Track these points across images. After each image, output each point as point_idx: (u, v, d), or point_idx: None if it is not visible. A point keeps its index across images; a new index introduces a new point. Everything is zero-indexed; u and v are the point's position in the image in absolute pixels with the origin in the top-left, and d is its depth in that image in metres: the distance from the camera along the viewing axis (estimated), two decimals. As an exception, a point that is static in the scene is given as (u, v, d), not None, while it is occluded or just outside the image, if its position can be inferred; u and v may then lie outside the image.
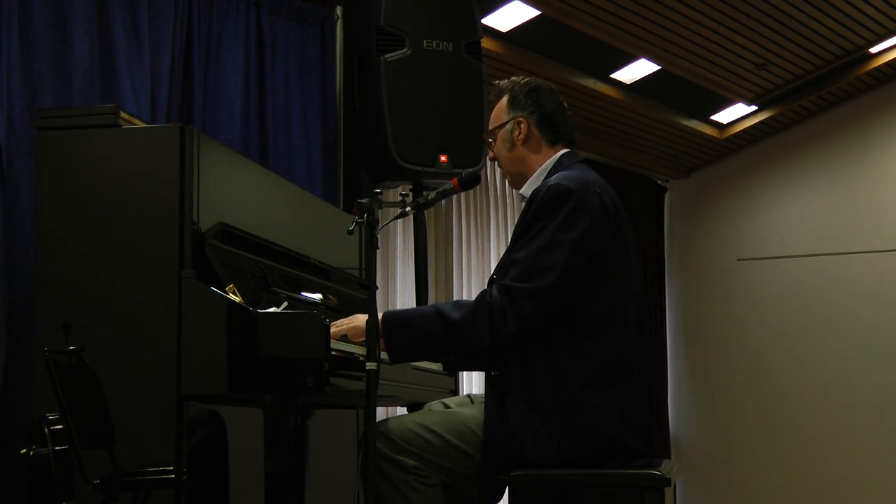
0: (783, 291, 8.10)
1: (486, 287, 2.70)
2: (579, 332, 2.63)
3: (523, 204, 2.84)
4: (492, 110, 2.93)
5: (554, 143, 2.87)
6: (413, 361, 3.00)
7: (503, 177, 2.93)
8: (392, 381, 3.24)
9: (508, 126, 2.85)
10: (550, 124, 2.86)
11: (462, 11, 4.65)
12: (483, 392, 2.79)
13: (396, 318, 2.67)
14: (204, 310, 2.82)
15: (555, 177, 2.73)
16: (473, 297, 2.71)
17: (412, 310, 2.79)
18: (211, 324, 2.80)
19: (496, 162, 2.94)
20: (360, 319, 2.75)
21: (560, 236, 2.61)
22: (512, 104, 2.87)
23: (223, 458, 3.18)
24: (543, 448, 2.58)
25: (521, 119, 2.84)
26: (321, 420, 3.35)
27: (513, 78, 2.93)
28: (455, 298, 6.32)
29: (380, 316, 2.65)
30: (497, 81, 2.95)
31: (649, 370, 2.81)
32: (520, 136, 2.84)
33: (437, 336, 2.64)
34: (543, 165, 2.84)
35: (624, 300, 2.69)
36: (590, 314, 2.64)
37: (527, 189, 2.84)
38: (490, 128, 2.92)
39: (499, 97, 2.91)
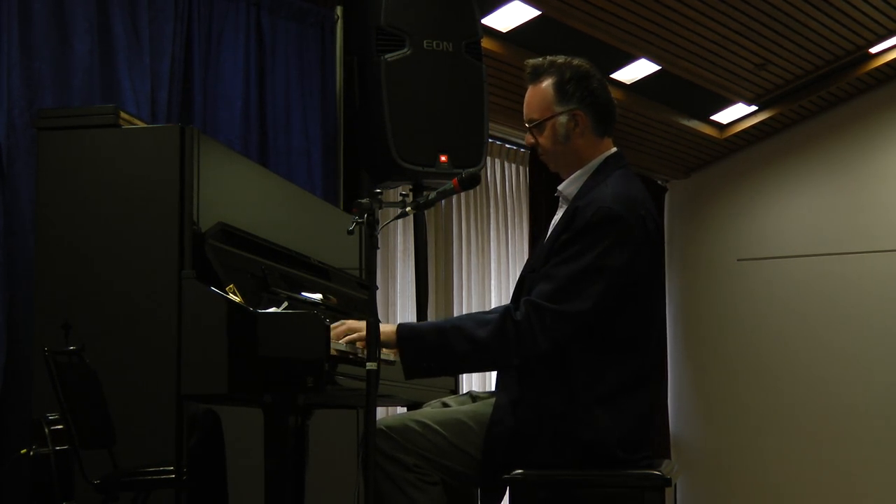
0: (783, 291, 8.10)
1: (511, 287, 2.63)
2: (600, 352, 2.60)
3: (559, 200, 2.76)
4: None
5: (604, 135, 2.75)
6: (429, 377, 2.95)
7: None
8: (392, 381, 3.23)
9: (562, 119, 2.69)
10: (606, 115, 2.73)
11: (462, 11, 4.65)
12: (483, 389, 2.78)
13: (413, 335, 2.62)
14: (204, 310, 2.82)
15: (606, 195, 2.61)
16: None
17: (428, 325, 2.70)
18: (211, 324, 2.79)
19: (536, 149, 2.77)
20: (354, 325, 2.70)
21: (602, 262, 2.55)
22: (562, 93, 2.69)
23: (223, 458, 3.18)
24: (546, 455, 2.58)
25: (578, 113, 2.69)
26: (321, 420, 3.35)
27: (551, 58, 2.74)
28: (455, 299, 6.32)
29: (391, 328, 2.62)
30: (531, 60, 2.75)
31: (659, 385, 2.79)
32: (577, 130, 2.69)
33: (460, 354, 2.58)
34: (590, 164, 2.73)
35: (647, 326, 2.67)
36: (613, 336, 2.61)
37: (567, 187, 2.74)
38: (536, 116, 2.72)
39: (537, 78, 2.72)
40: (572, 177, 2.74)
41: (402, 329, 2.62)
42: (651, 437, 2.73)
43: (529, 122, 2.76)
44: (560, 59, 2.74)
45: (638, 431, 2.64)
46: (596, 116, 2.71)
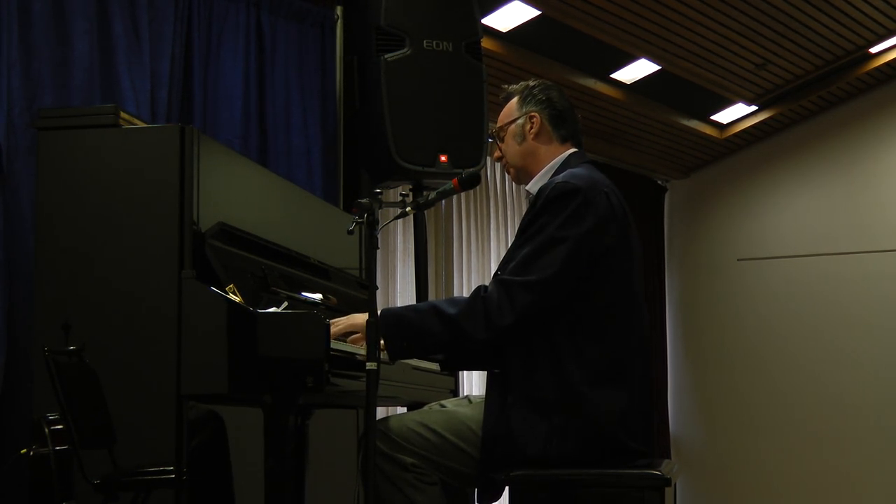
0: (783, 291, 8.10)
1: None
2: (581, 331, 2.62)
3: (528, 201, 2.84)
4: (499, 112, 2.95)
5: (564, 140, 2.88)
6: (412, 358, 3.00)
7: (506, 175, 2.93)
8: (392, 381, 3.24)
9: (520, 121, 2.87)
10: (561, 120, 2.88)
11: (462, 11, 4.65)
12: (481, 393, 2.78)
13: (393, 317, 2.67)
14: (204, 310, 2.82)
15: (562, 175, 2.73)
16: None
17: (409, 307, 2.78)
18: (211, 324, 2.80)
19: (501, 161, 2.94)
20: (357, 318, 2.75)
21: (563, 233, 2.61)
22: (523, 101, 2.89)
23: (223, 457, 3.18)
24: (544, 447, 2.58)
25: (533, 114, 2.86)
26: (321, 420, 3.35)
27: (522, 82, 2.96)
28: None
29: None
30: (506, 85, 2.97)
31: (651, 371, 2.81)
32: (532, 130, 2.86)
33: (434, 332, 2.63)
34: (552, 163, 2.84)
35: (626, 300, 2.69)
36: (592, 314, 2.63)
37: (533, 186, 2.84)
38: (498, 124, 2.93)
39: (507, 99, 2.94)
40: (537, 176, 2.86)
41: (385, 313, 2.67)
42: (649, 420, 2.74)
43: (493, 132, 2.95)
44: (530, 80, 2.96)
45: (634, 411, 2.64)
46: (551, 120, 2.87)
